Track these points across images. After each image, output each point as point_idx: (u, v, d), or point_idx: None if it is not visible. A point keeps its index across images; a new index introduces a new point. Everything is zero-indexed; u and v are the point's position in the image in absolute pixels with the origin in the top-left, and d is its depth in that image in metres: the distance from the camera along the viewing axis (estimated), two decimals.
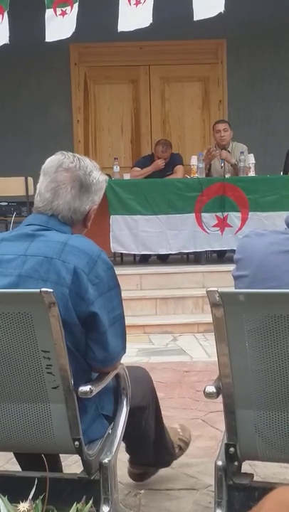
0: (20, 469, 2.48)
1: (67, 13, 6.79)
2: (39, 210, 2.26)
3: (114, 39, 9.35)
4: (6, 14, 6.78)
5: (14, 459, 2.53)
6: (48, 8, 6.82)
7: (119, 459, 2.40)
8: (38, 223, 2.23)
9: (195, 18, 6.65)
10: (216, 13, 6.55)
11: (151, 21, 6.60)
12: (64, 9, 6.80)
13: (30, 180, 7.79)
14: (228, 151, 8.02)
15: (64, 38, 6.84)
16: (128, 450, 2.74)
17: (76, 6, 6.75)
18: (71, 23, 6.76)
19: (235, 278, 2.17)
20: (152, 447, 2.69)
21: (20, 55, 9.59)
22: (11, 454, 2.61)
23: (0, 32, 6.79)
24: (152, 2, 6.59)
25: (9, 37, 6.76)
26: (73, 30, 6.75)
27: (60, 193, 2.23)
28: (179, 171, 8.18)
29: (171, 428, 3.00)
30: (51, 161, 2.28)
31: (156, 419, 2.66)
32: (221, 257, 8.03)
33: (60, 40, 9.14)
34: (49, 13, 6.84)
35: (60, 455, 2.58)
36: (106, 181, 2.36)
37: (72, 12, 6.77)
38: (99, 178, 2.30)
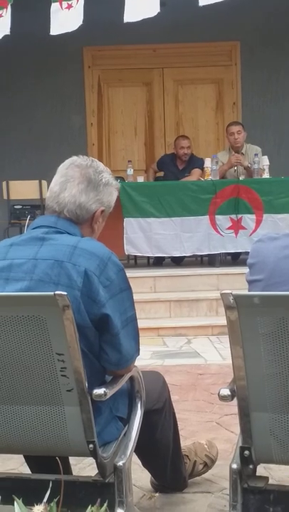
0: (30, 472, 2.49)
1: (73, 6, 6.72)
2: (48, 207, 2.29)
3: (127, 42, 9.43)
4: (9, 7, 6.73)
5: None
6: (54, 1, 6.76)
7: (134, 461, 2.39)
8: (47, 224, 2.24)
9: (200, 4, 6.44)
10: None
11: (158, 10, 6.48)
12: (70, 2, 6.73)
13: (44, 183, 7.82)
14: (242, 153, 8.01)
15: (70, 30, 6.73)
16: (146, 465, 2.74)
17: None
18: (78, 16, 6.65)
19: (249, 282, 2.16)
20: (170, 464, 2.68)
21: (34, 59, 9.66)
22: None
23: (2, 24, 6.74)
24: None
25: (11, 29, 6.69)
26: (80, 23, 6.62)
27: (67, 186, 2.26)
28: (194, 174, 8.17)
29: (199, 444, 3.00)
30: (66, 161, 2.34)
31: (174, 428, 2.65)
32: (235, 259, 8.01)
33: (74, 43, 9.22)
34: (55, 6, 6.76)
35: (75, 458, 2.58)
36: (117, 188, 2.37)
37: (79, 5, 6.69)
38: (109, 179, 2.32)
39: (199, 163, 8.20)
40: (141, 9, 6.53)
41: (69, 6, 6.72)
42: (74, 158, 2.34)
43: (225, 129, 8.57)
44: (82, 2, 6.65)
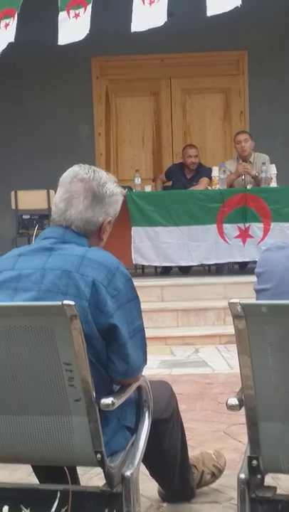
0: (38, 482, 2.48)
1: (80, 16, 6.71)
2: (54, 221, 2.28)
3: (135, 52, 9.46)
4: (16, 16, 6.73)
5: None
6: (62, 10, 6.75)
7: (141, 471, 2.39)
8: (55, 236, 2.25)
9: (208, 14, 6.35)
10: (232, 8, 6.17)
11: (165, 19, 6.46)
12: (77, 11, 6.72)
13: (52, 193, 7.84)
14: (250, 161, 8.02)
15: (77, 40, 6.76)
16: (153, 475, 2.73)
17: (90, 7, 6.60)
18: (85, 25, 6.63)
19: (257, 292, 2.16)
20: (177, 474, 2.67)
21: (42, 69, 9.70)
22: None
23: (8, 32, 6.74)
24: (166, 0, 6.38)
25: (19, 39, 6.67)
26: (87, 32, 6.61)
27: (73, 202, 2.25)
28: (202, 183, 8.19)
29: (207, 453, 3.00)
30: (67, 173, 2.32)
31: (181, 438, 2.65)
32: (243, 268, 8.00)
33: (82, 53, 9.26)
34: (62, 16, 6.74)
35: (82, 468, 2.57)
36: (122, 194, 2.37)
37: (86, 14, 6.66)
38: (113, 190, 2.31)
39: (207, 172, 8.20)
40: (148, 19, 6.53)
41: (76, 15, 6.72)
42: (76, 170, 2.30)
43: (232, 139, 8.59)
44: (90, 11, 6.66)
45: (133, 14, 6.51)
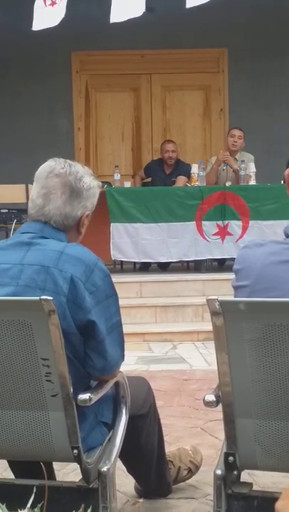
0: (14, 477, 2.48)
1: (57, 3, 6.68)
2: (32, 217, 2.27)
3: (115, 47, 9.44)
4: None
5: None
6: None
7: (118, 467, 2.39)
8: (33, 231, 2.23)
9: (187, 6, 6.40)
10: None
11: (144, 10, 6.43)
12: None
13: (31, 187, 7.77)
14: (236, 159, 8.07)
15: (52, 26, 6.68)
16: (130, 471, 2.73)
17: None
18: (60, 11, 6.59)
19: (235, 288, 2.16)
20: (154, 470, 2.68)
21: (22, 63, 9.64)
22: None
23: None
24: None
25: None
26: (62, 16, 6.57)
27: (50, 198, 2.23)
28: (179, 181, 8.19)
29: (183, 449, 3.00)
30: (43, 168, 2.29)
31: (158, 434, 2.65)
32: (221, 265, 8.04)
33: (62, 48, 9.23)
34: (38, 3, 6.73)
35: (59, 463, 2.56)
36: (99, 187, 2.36)
37: (62, 1, 6.64)
38: (90, 183, 2.30)
39: (186, 169, 8.21)
40: (127, 9, 6.51)
41: (53, 3, 6.69)
42: (51, 164, 2.28)
43: (212, 136, 8.60)
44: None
45: (112, 5, 6.49)
